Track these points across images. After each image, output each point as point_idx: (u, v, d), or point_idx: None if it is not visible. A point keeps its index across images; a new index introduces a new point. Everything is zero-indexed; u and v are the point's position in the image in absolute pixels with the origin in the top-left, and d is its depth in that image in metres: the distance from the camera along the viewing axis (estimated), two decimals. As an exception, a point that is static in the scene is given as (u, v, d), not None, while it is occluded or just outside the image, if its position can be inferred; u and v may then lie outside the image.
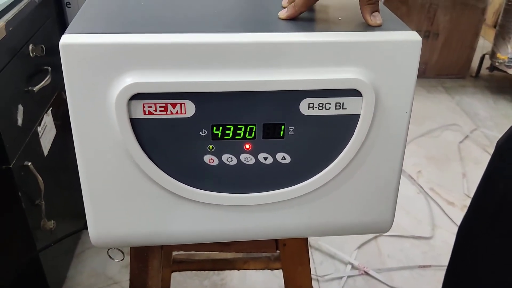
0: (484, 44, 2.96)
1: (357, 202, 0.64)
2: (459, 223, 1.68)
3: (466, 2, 2.63)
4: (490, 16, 3.08)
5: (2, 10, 0.94)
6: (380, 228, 0.67)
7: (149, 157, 0.57)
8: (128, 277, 1.41)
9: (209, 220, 0.62)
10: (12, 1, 0.99)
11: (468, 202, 1.82)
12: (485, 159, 2.01)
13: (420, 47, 0.55)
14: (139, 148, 0.56)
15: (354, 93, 0.55)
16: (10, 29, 0.93)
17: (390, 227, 0.67)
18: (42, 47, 1.11)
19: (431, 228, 1.67)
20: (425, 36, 2.69)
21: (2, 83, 0.92)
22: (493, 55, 2.65)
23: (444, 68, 2.80)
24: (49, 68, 1.14)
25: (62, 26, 1.30)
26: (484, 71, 2.86)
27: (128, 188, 0.59)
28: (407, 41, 0.55)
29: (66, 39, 0.51)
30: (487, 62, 2.79)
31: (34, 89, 1.05)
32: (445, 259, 1.55)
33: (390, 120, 0.58)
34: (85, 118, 0.55)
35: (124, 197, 0.60)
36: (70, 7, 1.28)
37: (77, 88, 0.53)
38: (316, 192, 0.62)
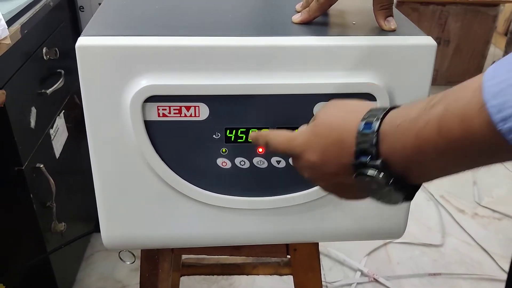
0: (495, 51, 2.94)
1: (370, 207, 0.63)
2: (469, 231, 1.66)
3: (477, 9, 2.62)
4: (501, 23, 3.06)
5: (18, 13, 0.95)
6: (393, 234, 0.67)
7: (163, 160, 0.57)
8: (137, 281, 1.41)
9: (220, 223, 0.62)
10: (27, 5, 1.00)
11: (478, 210, 1.81)
12: (496, 167, 1.99)
13: (434, 51, 0.55)
14: (153, 150, 0.56)
15: (368, 97, 0.55)
16: (25, 32, 0.94)
17: (403, 233, 0.67)
18: (55, 50, 1.12)
19: (441, 236, 1.65)
20: (436, 43, 2.68)
21: (16, 85, 0.93)
22: (504, 62, 2.63)
23: (455, 75, 2.79)
24: (62, 71, 1.15)
25: (75, 30, 1.31)
26: (495, 78, 2.84)
27: (141, 190, 0.59)
28: (422, 45, 0.55)
29: (82, 41, 0.52)
30: (498, 70, 2.77)
31: (47, 92, 1.06)
32: (455, 267, 1.54)
33: (404, 125, 0.58)
34: (100, 119, 0.55)
35: (137, 199, 0.60)
36: (83, 11, 1.29)
37: (92, 90, 0.54)
38: (329, 197, 0.62)
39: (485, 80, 0.32)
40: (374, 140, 0.38)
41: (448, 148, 0.34)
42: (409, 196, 0.40)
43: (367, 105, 0.43)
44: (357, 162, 0.39)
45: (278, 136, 0.49)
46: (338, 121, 0.42)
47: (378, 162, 0.38)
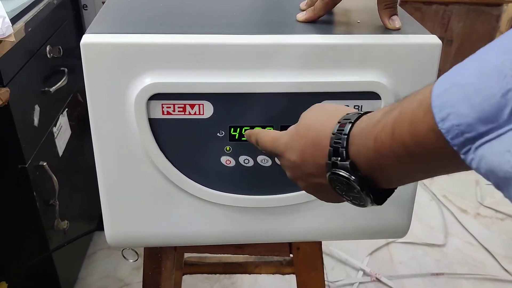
0: (498, 51, 2.94)
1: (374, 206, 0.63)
2: (472, 231, 1.66)
3: (480, 9, 2.61)
4: (504, 23, 3.06)
5: (22, 11, 0.95)
6: (396, 233, 0.67)
7: (167, 158, 0.57)
8: (139, 279, 1.41)
9: (224, 221, 0.62)
10: (31, 3, 1.00)
11: (481, 210, 1.81)
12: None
13: (440, 50, 0.55)
14: (157, 148, 0.56)
15: (373, 95, 0.55)
16: (29, 30, 0.94)
17: (407, 232, 0.67)
18: (59, 48, 1.12)
19: (444, 236, 1.65)
20: (439, 43, 2.67)
21: (20, 83, 0.93)
22: (507, 62, 2.63)
23: (457, 75, 2.78)
24: (66, 70, 1.15)
25: (78, 28, 1.31)
26: (498, 78, 2.84)
27: (145, 188, 0.59)
28: (427, 44, 0.55)
29: (87, 39, 0.52)
30: (501, 70, 2.77)
31: (51, 90, 1.06)
32: (458, 267, 1.53)
33: (408, 124, 0.58)
34: (104, 117, 0.55)
35: (141, 197, 0.60)
36: (87, 10, 1.29)
37: (96, 87, 0.54)
38: (332, 195, 0.62)
39: (436, 83, 0.32)
40: (344, 142, 0.39)
41: (402, 153, 0.35)
42: (378, 200, 0.41)
43: (347, 109, 0.44)
44: (329, 162, 0.41)
45: (265, 135, 0.51)
46: (318, 123, 0.44)
47: (347, 163, 0.39)
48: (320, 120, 0.44)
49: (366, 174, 0.39)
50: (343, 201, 0.45)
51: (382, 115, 0.37)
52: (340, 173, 0.39)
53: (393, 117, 0.35)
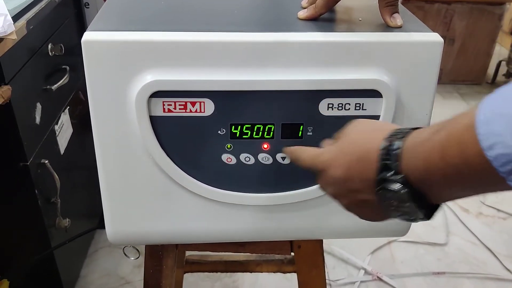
0: (500, 50, 2.93)
1: (375, 204, 0.63)
2: (474, 230, 1.66)
3: (482, 8, 2.61)
4: (506, 22, 3.05)
5: (23, 9, 0.95)
6: (398, 232, 0.67)
7: (168, 155, 0.57)
8: (140, 277, 1.41)
9: (225, 219, 0.62)
10: (33, 1, 1.00)
11: (483, 209, 1.81)
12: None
13: (441, 48, 0.55)
14: (158, 145, 0.56)
15: (374, 93, 0.55)
16: (31, 28, 0.94)
17: (408, 231, 0.67)
18: (61, 46, 1.12)
19: (446, 235, 1.65)
20: (441, 41, 2.66)
21: (21, 81, 0.93)
22: (509, 61, 2.62)
23: (459, 74, 2.78)
24: (67, 68, 1.15)
25: (80, 26, 1.31)
26: (500, 77, 2.83)
27: (146, 185, 0.59)
28: (428, 42, 0.55)
29: (88, 36, 0.52)
30: (503, 69, 2.76)
31: (53, 88, 1.06)
32: (459, 266, 1.53)
33: (410, 122, 0.58)
34: (105, 114, 0.55)
35: (142, 195, 0.60)
36: (88, 8, 1.29)
37: (97, 85, 0.54)
38: (334, 194, 0.62)
39: (480, 108, 0.33)
40: (396, 157, 0.40)
41: (451, 173, 0.36)
42: (428, 215, 0.41)
43: (392, 125, 0.45)
44: (379, 177, 0.41)
45: (305, 152, 0.51)
46: (362, 139, 0.44)
47: (399, 177, 0.39)
48: (364, 136, 0.44)
49: (417, 188, 0.39)
50: (387, 218, 0.45)
51: (430, 134, 0.38)
52: (393, 187, 0.40)
53: (441, 138, 0.36)
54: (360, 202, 0.45)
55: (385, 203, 0.42)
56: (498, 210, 1.77)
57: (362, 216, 0.48)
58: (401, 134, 0.41)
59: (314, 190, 0.61)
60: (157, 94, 0.54)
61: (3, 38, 0.82)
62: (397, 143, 0.40)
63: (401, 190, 0.39)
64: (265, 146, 0.58)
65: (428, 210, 0.41)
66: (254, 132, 0.57)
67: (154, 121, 0.55)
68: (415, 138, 0.39)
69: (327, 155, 0.47)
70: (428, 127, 0.39)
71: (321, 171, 0.48)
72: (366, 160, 0.42)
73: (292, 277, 0.90)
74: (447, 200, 0.41)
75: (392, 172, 0.40)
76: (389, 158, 0.40)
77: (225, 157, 0.58)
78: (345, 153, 0.45)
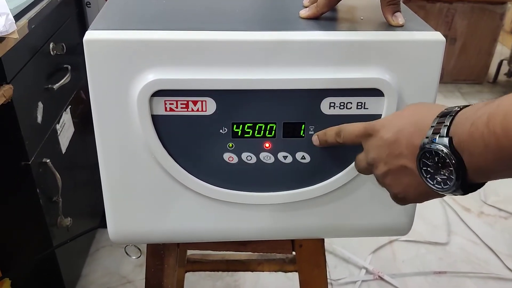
0: (502, 50, 2.92)
1: (376, 203, 0.63)
2: (475, 229, 1.66)
3: (484, 7, 2.60)
4: (508, 22, 3.04)
5: (25, 8, 0.95)
6: (399, 231, 0.67)
7: (169, 154, 0.57)
8: (141, 277, 1.41)
9: (226, 218, 0.62)
10: (35, 0, 1.00)
11: (484, 208, 1.81)
12: (503, 165, 1.98)
13: (443, 47, 0.55)
14: (160, 144, 0.56)
15: (376, 92, 0.55)
16: (32, 27, 0.94)
17: (409, 230, 0.67)
18: (62, 46, 1.12)
19: (447, 234, 1.65)
20: (443, 40, 2.65)
21: (23, 80, 0.93)
22: (511, 60, 2.62)
23: (461, 73, 2.77)
24: (69, 67, 1.15)
25: (82, 26, 1.31)
26: (501, 77, 2.83)
27: (147, 184, 0.59)
28: (430, 41, 0.55)
29: (90, 35, 0.52)
30: (505, 68, 2.76)
31: (54, 87, 1.06)
32: (461, 266, 1.53)
33: (411, 121, 0.58)
34: (107, 114, 0.55)
35: (144, 194, 0.60)
36: (90, 7, 1.29)
37: (99, 84, 0.54)
38: (335, 193, 0.62)
39: None
40: (449, 121, 0.41)
41: (492, 142, 0.37)
42: (464, 189, 0.42)
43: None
44: (427, 139, 0.42)
45: (350, 124, 0.53)
46: (424, 109, 0.46)
47: (446, 139, 0.41)
48: (427, 108, 0.46)
49: (458, 153, 0.40)
50: (416, 195, 0.47)
51: (483, 104, 0.39)
52: (438, 147, 0.41)
53: (492, 107, 0.38)
54: (399, 169, 0.46)
55: (423, 169, 0.43)
56: (500, 209, 1.77)
57: (395, 188, 0.49)
58: (459, 107, 0.42)
59: (315, 189, 0.61)
60: (159, 93, 0.54)
61: (5, 37, 0.82)
62: (453, 111, 0.42)
63: (443, 150, 0.40)
64: (267, 145, 0.58)
65: (464, 184, 0.42)
66: (256, 131, 0.57)
67: (156, 120, 0.55)
68: (469, 109, 0.41)
69: (382, 119, 0.49)
70: (485, 101, 0.40)
71: (370, 135, 0.49)
72: (420, 124, 0.44)
73: (294, 276, 0.90)
74: (483, 179, 0.42)
75: (440, 134, 0.41)
76: (441, 123, 0.42)
77: (226, 156, 0.58)
78: (403, 116, 0.47)
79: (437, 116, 0.43)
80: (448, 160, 0.41)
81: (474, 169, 0.40)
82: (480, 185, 0.43)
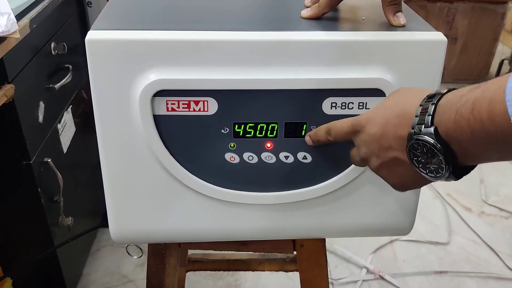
0: (503, 49, 2.92)
1: (378, 203, 0.63)
2: (476, 229, 1.66)
3: (485, 6, 2.60)
4: (509, 22, 3.04)
5: (26, 7, 0.95)
6: (400, 230, 0.67)
7: (171, 154, 0.57)
8: (142, 276, 1.41)
9: (228, 218, 0.62)
10: (36, 0, 1.00)
11: (485, 208, 1.81)
12: (503, 164, 1.98)
13: (445, 47, 0.55)
14: (161, 144, 0.56)
15: (377, 93, 0.55)
16: (34, 26, 0.94)
17: (411, 230, 0.67)
18: (64, 45, 1.12)
19: (448, 234, 1.65)
20: (444, 40, 2.65)
21: (24, 80, 0.93)
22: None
23: (462, 72, 2.77)
24: (70, 66, 1.15)
25: (83, 25, 1.31)
26: (502, 76, 2.83)
27: (149, 184, 0.59)
28: (432, 41, 0.55)
29: (91, 35, 0.52)
30: (506, 67, 2.76)
31: (55, 87, 1.06)
32: (461, 265, 1.53)
33: (413, 121, 0.58)
34: (108, 113, 0.55)
35: (145, 193, 0.60)
36: (91, 7, 1.29)
37: (101, 84, 0.54)
38: (337, 193, 0.62)
39: (510, 77, 0.35)
40: (432, 110, 0.41)
41: (478, 128, 0.37)
42: (457, 175, 0.42)
43: (434, 90, 0.46)
44: (412, 131, 0.42)
45: (339, 121, 0.53)
46: (405, 98, 0.46)
47: (432, 129, 0.41)
48: (408, 96, 0.46)
49: (446, 142, 0.41)
50: (414, 182, 0.47)
51: (467, 91, 0.39)
52: (425, 138, 0.41)
53: (476, 93, 0.38)
54: (391, 160, 0.46)
55: (414, 159, 0.43)
56: (501, 209, 1.77)
57: (391, 179, 0.49)
58: (440, 94, 0.42)
59: (317, 189, 0.61)
60: (160, 93, 0.54)
61: (6, 37, 0.82)
62: (435, 98, 0.42)
63: (430, 141, 0.40)
64: (268, 145, 0.58)
65: (456, 170, 0.42)
66: (258, 131, 0.57)
67: (158, 120, 0.55)
68: (452, 95, 0.41)
69: (367, 114, 0.49)
70: (467, 86, 0.40)
71: (358, 131, 0.49)
72: (404, 115, 0.44)
73: (294, 276, 0.90)
74: (474, 163, 0.42)
75: (424, 125, 0.41)
76: (425, 112, 0.41)
77: (228, 156, 0.58)
78: (386, 109, 0.47)
79: (420, 105, 0.42)
80: (436, 150, 0.41)
81: (464, 155, 0.41)
82: (473, 166, 0.43)
